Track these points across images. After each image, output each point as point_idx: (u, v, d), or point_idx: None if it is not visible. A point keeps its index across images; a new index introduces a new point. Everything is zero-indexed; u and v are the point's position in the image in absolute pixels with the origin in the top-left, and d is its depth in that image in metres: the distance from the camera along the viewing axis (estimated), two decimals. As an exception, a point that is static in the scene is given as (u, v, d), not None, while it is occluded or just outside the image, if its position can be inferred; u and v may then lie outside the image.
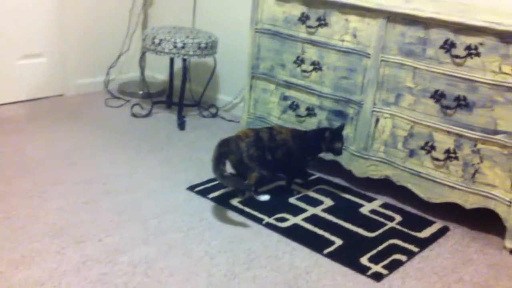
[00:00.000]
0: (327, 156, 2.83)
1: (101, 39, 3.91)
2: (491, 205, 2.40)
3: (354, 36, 2.66)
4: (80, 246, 2.16)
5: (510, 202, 2.33)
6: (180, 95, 3.53)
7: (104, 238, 2.22)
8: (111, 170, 2.82)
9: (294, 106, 2.97)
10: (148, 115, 3.61)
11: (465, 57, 2.36)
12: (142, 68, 3.90)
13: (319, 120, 2.87)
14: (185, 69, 3.48)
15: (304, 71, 2.88)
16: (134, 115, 3.60)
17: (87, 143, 3.12)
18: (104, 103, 3.76)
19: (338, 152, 2.68)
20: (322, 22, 2.76)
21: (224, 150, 2.53)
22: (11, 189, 2.55)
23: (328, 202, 2.66)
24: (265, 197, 2.63)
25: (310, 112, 2.90)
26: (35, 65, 3.67)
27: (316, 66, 2.83)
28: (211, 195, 2.64)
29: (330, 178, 2.93)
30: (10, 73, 3.55)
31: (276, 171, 2.69)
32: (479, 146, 2.39)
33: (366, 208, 2.64)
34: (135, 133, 3.34)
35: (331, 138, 2.66)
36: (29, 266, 2.01)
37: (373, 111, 2.67)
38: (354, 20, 2.65)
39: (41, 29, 3.64)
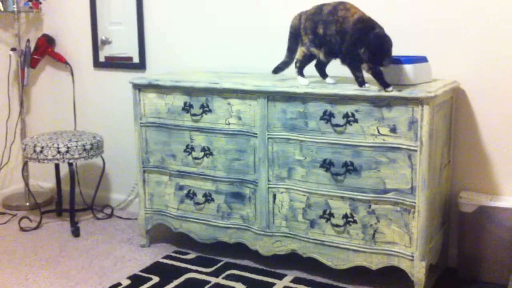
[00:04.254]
0: (231, 239, 2.80)
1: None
2: (395, 262, 2.46)
3: (239, 118, 2.72)
4: None
5: (412, 256, 2.41)
6: (70, 200, 3.37)
7: None
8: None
9: (191, 195, 2.93)
10: (38, 227, 3.40)
11: (344, 124, 2.48)
12: (25, 179, 3.70)
13: (218, 204, 2.85)
14: (73, 173, 3.34)
15: (196, 158, 2.88)
16: (22, 229, 3.37)
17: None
18: (-13, 221, 3.50)
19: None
20: (206, 109, 2.80)
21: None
22: None
23: (239, 287, 2.60)
24: (303, 81, 2.53)
25: (208, 198, 2.88)
26: None
27: (207, 151, 2.84)
28: (117, 303, 2.49)
29: (237, 261, 2.88)
30: None
31: (329, 54, 2.51)
32: (373, 206, 2.48)
33: (278, 287, 2.61)
34: (26, 248, 3.11)
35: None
36: None
37: (269, 187, 2.70)
38: (236, 103, 2.72)
39: None
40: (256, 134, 2.68)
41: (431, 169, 2.39)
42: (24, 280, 2.73)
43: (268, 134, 2.66)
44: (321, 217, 2.60)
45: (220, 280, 2.68)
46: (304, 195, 2.62)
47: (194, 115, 2.84)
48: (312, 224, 2.62)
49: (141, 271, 2.80)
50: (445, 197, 2.69)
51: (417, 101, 2.31)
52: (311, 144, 2.57)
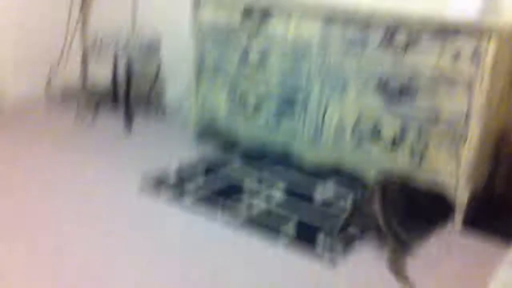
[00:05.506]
0: (277, 148, 2.85)
1: (42, 43, 3.79)
2: (439, 187, 2.47)
3: (298, 29, 2.70)
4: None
5: (457, 183, 2.41)
6: (125, 96, 3.47)
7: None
8: (66, 176, 2.74)
9: (242, 100, 2.97)
10: (93, 118, 3.54)
11: (405, 47, 2.43)
12: (83, 73, 3.81)
13: (268, 113, 2.89)
14: (130, 70, 3.42)
15: (250, 63, 2.89)
16: (78, 120, 3.52)
17: (34, 151, 3.02)
18: (47, 109, 3.65)
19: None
20: (266, 17, 2.78)
21: None
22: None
23: (279, 194, 2.68)
24: None
25: (259, 105, 2.91)
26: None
27: (262, 58, 2.84)
28: (164, 195, 2.61)
29: (281, 169, 2.93)
30: None
31: None
32: (424, 131, 2.46)
33: (319, 195, 2.66)
34: (81, 138, 3.26)
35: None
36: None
37: (321, 101, 2.70)
38: (296, 17, 2.69)
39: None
40: (313, 45, 2.66)
41: (489, 101, 2.34)
42: (80, 165, 2.89)
43: (326, 47, 2.63)
44: (369, 136, 2.61)
45: (262, 188, 2.76)
46: (356, 113, 2.62)
47: (253, 21, 2.82)
48: (360, 141, 2.64)
49: (188, 167, 2.90)
50: (499, 130, 2.64)
51: (484, 31, 2.24)
52: (369, 62, 2.54)
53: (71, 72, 4.00)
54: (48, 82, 3.87)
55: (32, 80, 3.81)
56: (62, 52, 3.90)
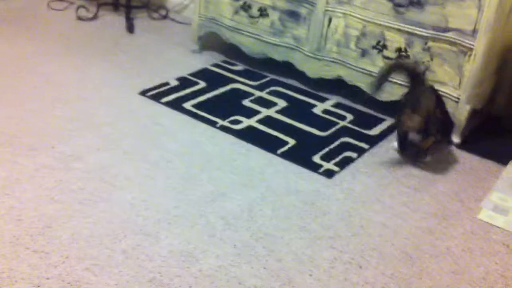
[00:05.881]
0: (280, 57, 2.82)
1: None
2: (439, 101, 2.46)
3: None
4: (33, 154, 2.13)
5: (458, 99, 2.40)
6: (127, -3, 3.38)
7: (57, 146, 2.19)
8: (60, 77, 2.73)
9: (246, 7, 2.89)
10: (94, 18, 3.46)
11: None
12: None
13: (272, 20, 2.82)
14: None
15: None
16: (79, 18, 3.45)
17: (32, 49, 2.99)
18: (47, 6, 3.57)
19: None
20: None
21: None
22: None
23: (281, 103, 2.68)
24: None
25: (263, 12, 2.84)
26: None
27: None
28: (164, 99, 2.61)
29: (283, 79, 2.93)
30: None
31: None
32: (430, 44, 2.41)
33: (319, 108, 2.67)
34: (82, 37, 3.21)
35: None
36: (-20, 175, 1.98)
37: (326, 10, 2.63)
38: None
39: None
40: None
41: (498, 13, 2.26)
42: (81, 66, 2.87)
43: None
44: (374, 47, 2.56)
45: (263, 94, 2.75)
46: (361, 23, 2.56)
47: None
48: (364, 53, 2.59)
49: (189, 74, 2.89)
50: (505, 44, 2.58)
51: None
52: (379, -32, 2.44)
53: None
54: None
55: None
56: None
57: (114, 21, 3.48)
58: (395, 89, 2.54)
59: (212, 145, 2.31)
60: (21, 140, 2.21)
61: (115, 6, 3.62)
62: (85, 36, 3.23)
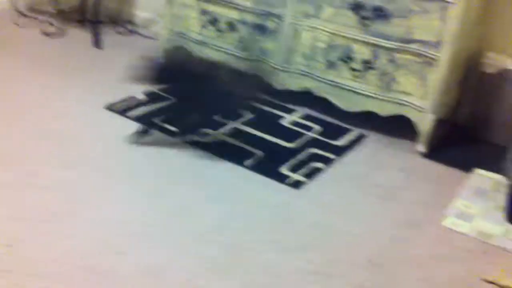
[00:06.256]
0: (248, 70, 2.82)
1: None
2: (405, 111, 2.49)
3: None
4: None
5: (422, 108, 2.43)
6: (94, 11, 3.35)
7: (20, 162, 2.15)
8: (24, 93, 2.68)
9: (214, 21, 2.89)
10: (61, 33, 3.43)
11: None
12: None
13: (240, 34, 2.82)
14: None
15: (222, -18, 2.80)
16: (45, 34, 3.41)
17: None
18: (11, 22, 3.52)
19: None
20: None
21: None
22: None
23: (248, 115, 2.67)
24: None
25: (231, 26, 2.84)
26: None
27: (235, -23, 2.75)
28: (131, 113, 2.58)
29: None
30: None
31: None
32: (396, 55, 2.44)
33: (286, 120, 2.68)
34: (48, 53, 3.17)
35: None
36: None
37: (294, 23, 2.65)
38: None
39: None
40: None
41: (463, 25, 2.31)
42: (48, 82, 2.82)
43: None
44: (341, 59, 2.58)
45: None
46: (328, 36, 2.58)
47: None
48: (331, 65, 2.61)
49: (159, 89, 2.86)
50: (470, 54, 2.63)
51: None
52: (343, -19, 2.47)
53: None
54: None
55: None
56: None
57: (81, 36, 3.44)
58: (363, 100, 2.56)
59: (178, 158, 2.29)
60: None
61: (82, 22, 3.59)
62: (51, 52, 3.19)
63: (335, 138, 2.55)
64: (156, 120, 2.53)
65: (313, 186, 2.19)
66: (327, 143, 2.51)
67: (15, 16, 3.60)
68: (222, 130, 2.51)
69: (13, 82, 2.77)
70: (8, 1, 3.70)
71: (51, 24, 3.48)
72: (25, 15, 3.65)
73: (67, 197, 1.96)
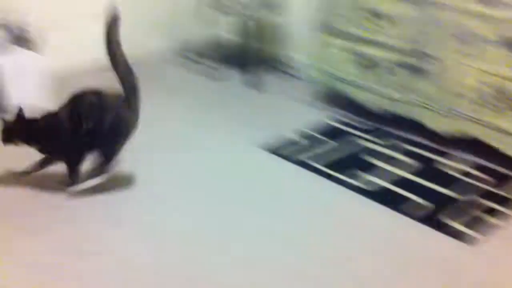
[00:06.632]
0: (408, 114, 2.74)
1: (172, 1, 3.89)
2: None
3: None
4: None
5: None
6: (254, 55, 3.50)
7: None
8: (183, 129, 2.89)
9: (370, 63, 2.86)
10: (223, 77, 3.60)
11: None
12: (214, 28, 3.85)
13: (398, 77, 2.76)
14: (259, 28, 3.43)
15: (377, 24, 2.76)
16: (209, 77, 3.60)
17: (162, 104, 3.15)
18: (179, 66, 3.77)
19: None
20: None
21: None
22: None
23: (411, 162, 2.58)
24: None
25: (389, 68, 2.79)
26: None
27: (390, 18, 2.70)
28: (285, 154, 2.63)
29: (412, 137, 2.81)
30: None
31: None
32: None
33: (453, 168, 2.54)
34: (211, 95, 3.36)
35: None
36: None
37: (455, 64, 2.52)
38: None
39: None
40: (445, 4, 2.49)
41: None
42: (207, 120, 3.01)
43: (458, 6, 2.45)
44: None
45: (391, 152, 2.67)
46: (496, 78, 2.42)
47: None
48: (501, 111, 2.44)
49: (312, 129, 2.89)
50: None
51: None
52: (506, 21, 2.32)
53: (203, 29, 4.07)
54: (179, 38, 3.98)
55: (166, 35, 3.93)
56: (193, 10, 3.97)
57: (242, 79, 3.58)
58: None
59: (338, 205, 2.26)
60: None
61: (244, 65, 3.74)
62: (213, 93, 3.39)
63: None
64: (309, 161, 2.54)
65: (487, 243, 2.05)
66: (503, 197, 2.33)
67: (183, 60, 3.85)
68: (385, 177, 2.45)
69: (178, 121, 2.97)
70: (177, 47, 3.98)
71: (215, 68, 3.67)
72: (192, 60, 3.89)
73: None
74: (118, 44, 2.18)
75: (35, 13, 3.09)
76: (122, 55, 2.19)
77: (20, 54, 2.96)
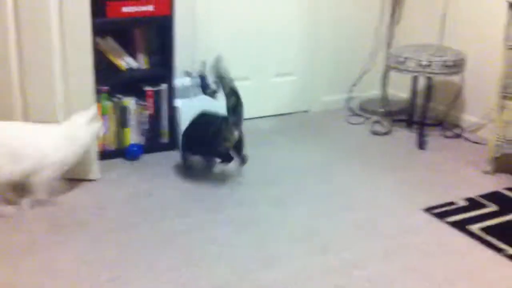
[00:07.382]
0: None
1: (346, 58, 4.04)
2: None
3: None
4: (323, 255, 2.27)
5: None
6: (422, 113, 3.48)
7: (343, 250, 2.31)
8: (351, 185, 2.90)
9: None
10: (388, 133, 3.63)
11: None
12: (384, 86, 3.93)
13: None
14: (430, 88, 3.42)
15: None
16: (374, 132, 3.65)
17: (329, 157, 3.26)
18: (345, 120, 3.88)
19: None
20: None
21: None
22: (262, 195, 2.79)
23: None
24: None
25: None
26: (286, 82, 3.97)
27: None
28: (449, 219, 2.54)
29: None
30: (264, 90, 3.89)
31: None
32: None
33: None
34: (375, 150, 3.39)
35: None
36: (276, 266, 2.19)
37: None
38: None
39: (294, 50, 3.92)
40: None
41: None
42: (371, 177, 3.01)
43: None
44: None
45: None
46: None
47: None
48: None
49: (480, 196, 2.77)
50: None
51: None
52: None
53: (371, 86, 4.18)
54: (350, 94, 4.11)
55: (336, 92, 4.10)
56: (365, 66, 4.10)
57: (406, 137, 3.58)
58: None
59: (495, 273, 2.14)
60: (312, 239, 2.39)
61: (409, 123, 3.74)
62: (377, 149, 3.40)
63: None
64: (473, 228, 2.44)
65: None
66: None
67: (348, 115, 3.97)
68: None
69: (343, 174, 3.03)
70: (344, 101, 4.12)
71: (380, 123, 3.71)
72: (357, 114, 3.99)
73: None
74: (223, 74, 2.77)
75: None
76: (229, 81, 2.75)
77: (199, 99, 3.33)
